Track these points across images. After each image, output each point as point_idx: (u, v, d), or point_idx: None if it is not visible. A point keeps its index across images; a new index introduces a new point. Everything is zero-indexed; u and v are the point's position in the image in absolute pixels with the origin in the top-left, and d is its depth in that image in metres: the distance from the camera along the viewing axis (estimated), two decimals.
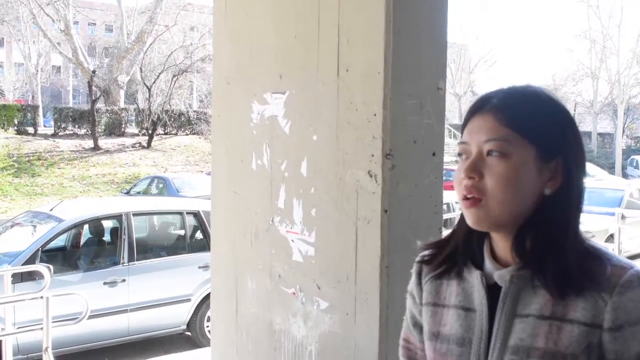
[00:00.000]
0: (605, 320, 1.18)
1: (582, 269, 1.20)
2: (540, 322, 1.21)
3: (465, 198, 1.25)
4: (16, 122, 29.19)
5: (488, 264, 1.31)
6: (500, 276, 1.28)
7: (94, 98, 29.41)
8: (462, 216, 1.32)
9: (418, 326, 1.45)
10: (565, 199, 1.25)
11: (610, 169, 35.90)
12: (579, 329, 1.18)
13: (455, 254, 1.37)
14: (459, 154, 1.30)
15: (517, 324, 1.24)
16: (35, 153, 26.67)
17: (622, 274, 1.19)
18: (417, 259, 1.46)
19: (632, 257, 12.31)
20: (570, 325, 1.19)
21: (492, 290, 1.29)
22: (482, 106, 1.28)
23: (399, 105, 2.36)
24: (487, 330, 1.28)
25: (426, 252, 1.44)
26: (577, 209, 1.27)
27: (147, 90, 30.03)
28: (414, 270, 1.47)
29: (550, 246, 1.23)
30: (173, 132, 32.13)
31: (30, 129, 29.53)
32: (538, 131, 1.24)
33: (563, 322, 1.20)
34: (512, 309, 1.25)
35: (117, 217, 7.73)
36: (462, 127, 1.31)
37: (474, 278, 1.32)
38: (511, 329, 1.24)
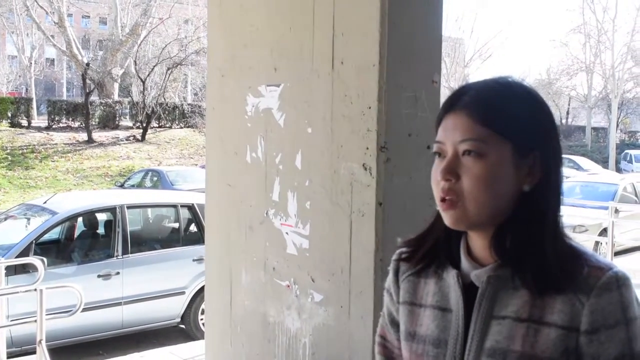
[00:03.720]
0: (582, 323, 1.16)
1: (562, 267, 1.19)
2: (517, 324, 1.20)
3: (443, 200, 1.23)
4: (9, 114, 29.05)
5: (465, 262, 1.29)
6: (477, 276, 1.26)
7: (87, 91, 29.28)
8: (438, 213, 1.30)
9: (395, 324, 1.43)
10: (545, 194, 1.24)
11: (604, 163, 35.97)
12: (557, 332, 1.17)
13: (434, 251, 1.35)
14: (435, 153, 1.28)
15: (493, 325, 1.22)
16: (29, 146, 26.56)
17: (600, 276, 1.17)
18: (394, 256, 1.44)
19: (626, 251, 12.36)
20: (548, 329, 1.17)
21: (469, 290, 1.27)
22: (455, 103, 1.25)
23: (394, 98, 2.36)
24: (463, 332, 1.26)
25: (404, 249, 1.42)
26: (556, 203, 1.25)
27: (142, 83, 29.88)
28: (391, 268, 1.44)
29: (531, 243, 1.21)
30: (167, 125, 32.05)
31: (24, 122, 29.40)
32: (513, 127, 1.22)
33: (540, 324, 1.18)
34: (488, 310, 1.23)
35: (111, 210, 7.70)
36: (437, 125, 1.29)
37: (451, 277, 1.30)
38: (487, 330, 1.22)
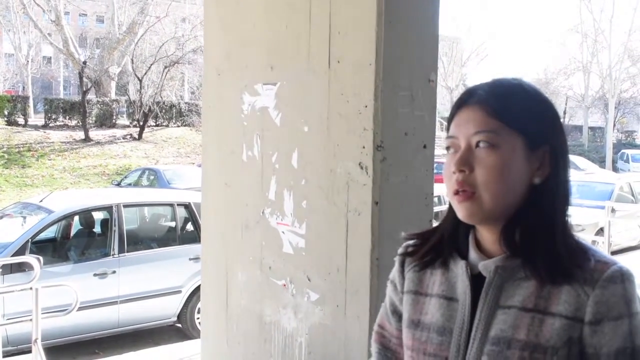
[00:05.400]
0: (587, 314, 1.19)
1: (571, 258, 1.21)
2: (522, 313, 1.22)
3: (457, 192, 1.25)
4: (6, 113, 28.99)
5: (473, 254, 1.32)
6: (485, 266, 1.28)
7: (84, 89, 29.27)
8: (450, 208, 1.33)
9: (397, 314, 1.46)
10: (554, 187, 1.27)
11: (601, 162, 36.04)
12: (561, 322, 1.19)
13: (441, 244, 1.37)
14: (447, 148, 1.30)
15: (499, 315, 1.24)
16: (26, 144, 26.53)
17: (606, 269, 1.20)
18: (400, 250, 1.47)
19: (622, 251, 12.38)
20: (552, 318, 1.20)
21: (476, 280, 1.29)
22: (468, 99, 1.29)
23: (390, 97, 2.36)
24: (469, 321, 1.28)
25: (410, 243, 1.45)
26: (565, 197, 1.29)
27: (139, 81, 29.87)
28: (397, 260, 1.47)
29: (540, 235, 1.24)
30: (164, 124, 32.02)
31: (21, 120, 29.34)
32: (525, 121, 1.25)
33: (545, 314, 1.20)
34: (495, 299, 1.26)
35: (108, 209, 7.69)
36: (449, 121, 1.32)
37: (459, 268, 1.32)
38: (493, 319, 1.25)
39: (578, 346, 1.20)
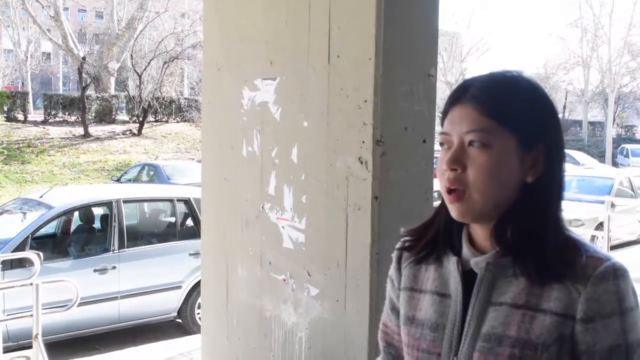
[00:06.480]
0: (578, 311, 1.18)
1: (561, 257, 1.21)
2: (513, 310, 1.22)
3: (449, 191, 1.25)
4: (5, 109, 28.93)
5: (466, 250, 1.32)
6: (476, 263, 1.28)
7: (84, 85, 29.19)
8: (442, 203, 1.32)
9: (396, 311, 1.46)
10: (547, 186, 1.26)
11: (601, 157, 36.00)
12: (552, 319, 1.19)
13: (436, 240, 1.37)
14: (441, 144, 1.30)
15: (490, 311, 1.24)
16: (25, 140, 26.50)
17: (598, 266, 1.19)
18: (398, 245, 1.47)
19: (622, 245, 12.38)
20: (543, 315, 1.19)
21: (469, 276, 1.29)
22: (461, 95, 1.27)
23: (390, 92, 2.36)
24: (461, 317, 1.28)
25: (407, 238, 1.44)
26: (558, 196, 1.28)
27: (138, 77, 29.81)
28: (394, 256, 1.47)
29: (531, 233, 1.23)
30: (164, 120, 31.98)
31: (20, 116, 29.31)
32: (518, 120, 1.24)
33: (536, 311, 1.20)
34: (486, 296, 1.26)
35: (108, 204, 7.69)
36: (442, 117, 1.31)
37: (451, 264, 1.32)
38: (484, 316, 1.25)
39: (570, 343, 1.19)
